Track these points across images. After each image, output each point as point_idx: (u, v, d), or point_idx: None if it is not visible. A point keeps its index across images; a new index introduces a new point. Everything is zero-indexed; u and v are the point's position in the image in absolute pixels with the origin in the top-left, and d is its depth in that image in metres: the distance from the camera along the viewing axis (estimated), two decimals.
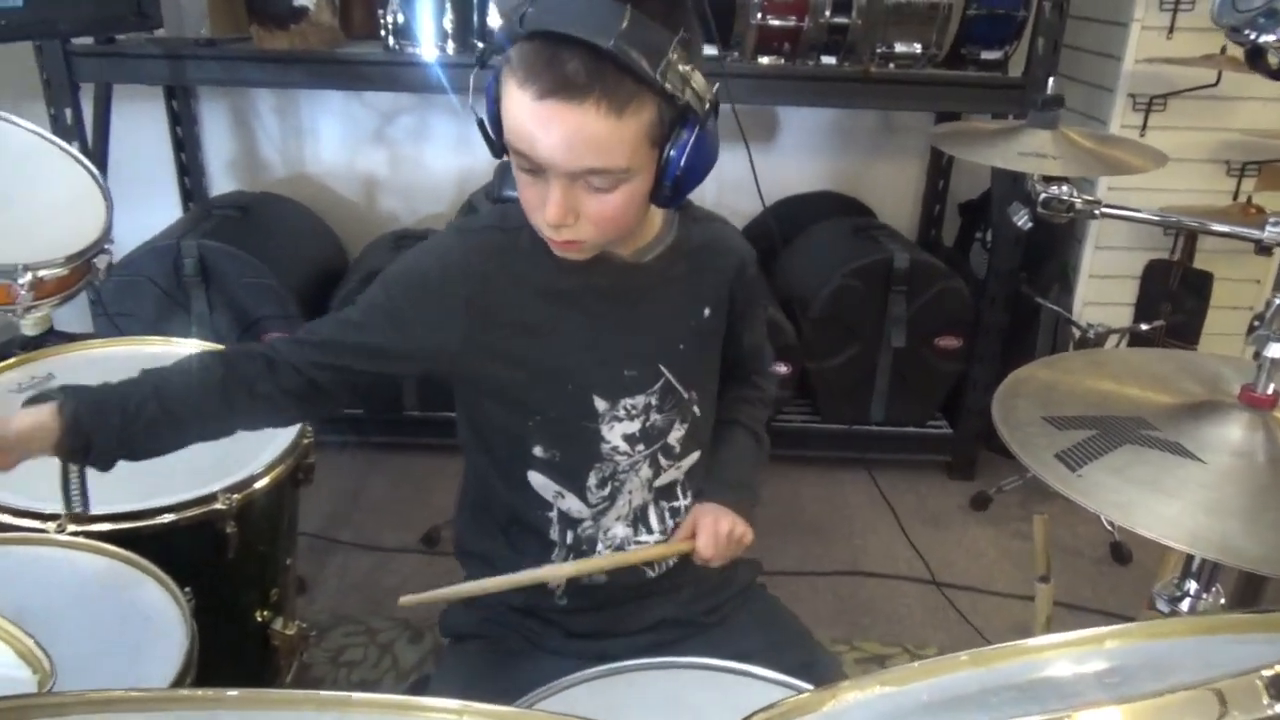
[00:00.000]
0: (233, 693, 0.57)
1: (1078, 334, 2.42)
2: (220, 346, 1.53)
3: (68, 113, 2.30)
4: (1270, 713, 0.44)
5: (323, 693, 0.57)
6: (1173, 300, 2.58)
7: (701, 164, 0.92)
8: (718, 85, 0.93)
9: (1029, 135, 1.20)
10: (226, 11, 2.37)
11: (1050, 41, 2.22)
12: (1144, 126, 2.49)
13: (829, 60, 2.31)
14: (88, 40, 2.25)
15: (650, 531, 1.13)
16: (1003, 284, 2.47)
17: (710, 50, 2.27)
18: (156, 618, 1.02)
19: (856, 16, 2.23)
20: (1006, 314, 2.51)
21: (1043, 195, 1.12)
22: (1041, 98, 1.22)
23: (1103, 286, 2.68)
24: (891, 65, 2.31)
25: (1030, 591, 1.05)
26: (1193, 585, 0.89)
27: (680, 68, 0.86)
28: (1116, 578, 2.30)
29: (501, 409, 1.07)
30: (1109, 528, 2.38)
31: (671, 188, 0.92)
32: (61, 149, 1.62)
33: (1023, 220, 1.16)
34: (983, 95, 2.35)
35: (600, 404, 1.06)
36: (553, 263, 1.01)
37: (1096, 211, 1.14)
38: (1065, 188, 1.12)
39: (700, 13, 0.95)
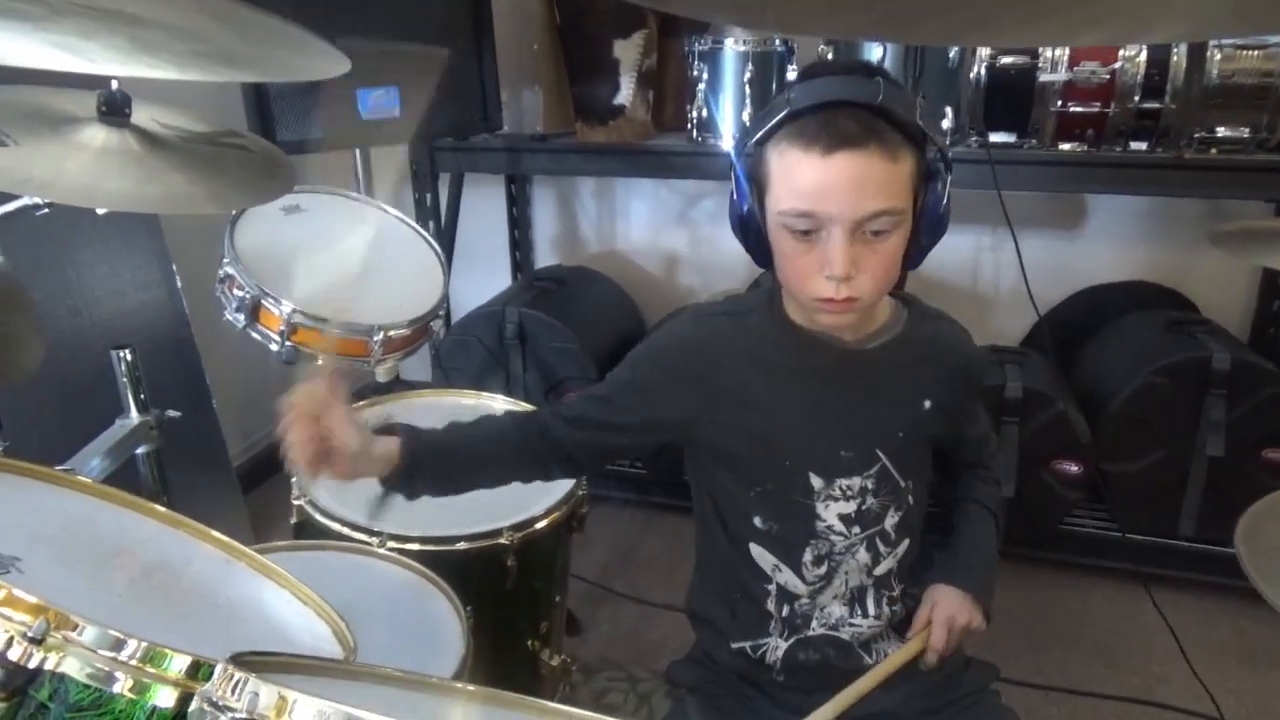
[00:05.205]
0: (470, 688, 0.70)
1: None
2: (523, 405, 1.76)
3: (428, 197, 2.75)
4: None
5: (546, 702, 0.69)
6: None
7: (946, 215, 1.01)
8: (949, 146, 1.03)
9: None
10: (558, 111, 2.71)
11: None
12: None
13: (1139, 146, 2.18)
14: (447, 139, 2.68)
15: (866, 615, 1.14)
16: None
17: (1005, 137, 2.25)
18: (442, 627, 1.21)
19: (1170, 101, 2.09)
20: None
21: None
22: None
23: None
24: (1213, 150, 2.13)
25: None
26: None
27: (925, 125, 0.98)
28: None
29: (728, 479, 1.15)
30: None
31: (928, 234, 1.01)
32: (415, 230, 1.93)
33: None
34: None
35: (816, 481, 1.10)
36: (777, 344, 1.10)
37: None
38: None
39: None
